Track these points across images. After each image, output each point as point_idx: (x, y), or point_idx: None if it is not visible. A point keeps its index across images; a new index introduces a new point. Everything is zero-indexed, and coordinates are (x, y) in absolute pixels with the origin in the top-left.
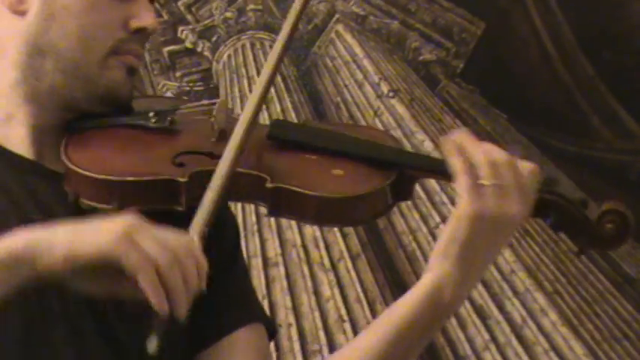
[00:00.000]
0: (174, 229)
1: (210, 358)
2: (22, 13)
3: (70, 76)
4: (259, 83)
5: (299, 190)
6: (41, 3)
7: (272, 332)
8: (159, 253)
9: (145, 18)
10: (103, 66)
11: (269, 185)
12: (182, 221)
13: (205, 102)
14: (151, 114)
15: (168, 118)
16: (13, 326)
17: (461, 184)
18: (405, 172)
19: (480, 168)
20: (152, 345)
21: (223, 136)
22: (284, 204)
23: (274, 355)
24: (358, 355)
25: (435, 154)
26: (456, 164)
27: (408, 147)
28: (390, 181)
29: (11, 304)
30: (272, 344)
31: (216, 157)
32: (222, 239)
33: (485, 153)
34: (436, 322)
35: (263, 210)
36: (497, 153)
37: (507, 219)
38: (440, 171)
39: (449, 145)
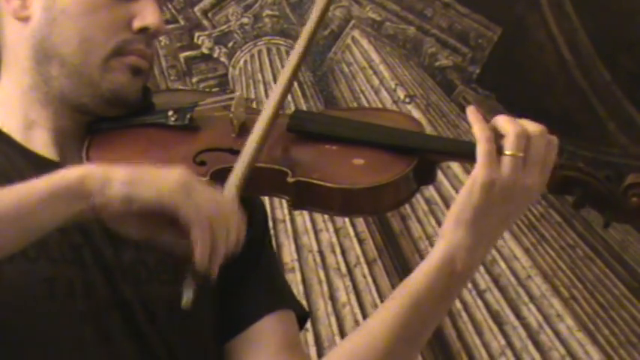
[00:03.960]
0: None
1: (238, 346)
2: (25, 20)
3: (75, 80)
4: (281, 78)
5: (320, 182)
6: (42, 8)
7: (304, 318)
8: (213, 210)
9: (148, 17)
10: (105, 68)
11: (290, 179)
12: None
13: (223, 96)
14: (170, 112)
15: (188, 116)
16: (44, 327)
17: (479, 150)
18: (426, 156)
19: (506, 138)
20: (188, 298)
21: (243, 130)
22: (306, 197)
23: None
24: (378, 327)
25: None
26: (478, 130)
27: None
28: (411, 167)
29: (41, 301)
30: None
31: (236, 152)
32: (249, 226)
33: (515, 123)
34: (450, 290)
35: (279, 216)
36: (529, 125)
37: (523, 190)
38: (461, 153)
39: (475, 114)
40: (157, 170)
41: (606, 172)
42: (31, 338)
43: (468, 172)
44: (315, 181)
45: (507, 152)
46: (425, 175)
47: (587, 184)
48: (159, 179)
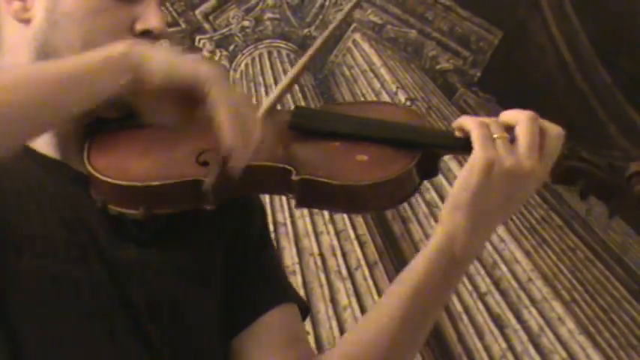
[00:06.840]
0: (204, 226)
1: (245, 340)
2: (26, 21)
3: None
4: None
5: (325, 180)
6: (44, 10)
7: (305, 312)
8: (241, 99)
9: (151, 20)
10: None
11: (295, 177)
12: (211, 218)
13: None
14: None
15: None
16: (52, 326)
17: (474, 135)
18: (429, 150)
19: (491, 124)
20: (208, 182)
21: None
22: (311, 195)
23: None
24: (380, 317)
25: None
26: (466, 120)
27: None
28: (415, 161)
29: (49, 300)
30: None
31: None
32: (251, 224)
33: (501, 115)
34: (450, 276)
35: (280, 219)
36: (517, 112)
37: (521, 173)
38: (464, 147)
39: (460, 119)
40: (197, 59)
41: (608, 161)
42: (39, 337)
43: None
44: (319, 179)
45: (495, 135)
46: (428, 169)
47: (590, 173)
48: (197, 62)
